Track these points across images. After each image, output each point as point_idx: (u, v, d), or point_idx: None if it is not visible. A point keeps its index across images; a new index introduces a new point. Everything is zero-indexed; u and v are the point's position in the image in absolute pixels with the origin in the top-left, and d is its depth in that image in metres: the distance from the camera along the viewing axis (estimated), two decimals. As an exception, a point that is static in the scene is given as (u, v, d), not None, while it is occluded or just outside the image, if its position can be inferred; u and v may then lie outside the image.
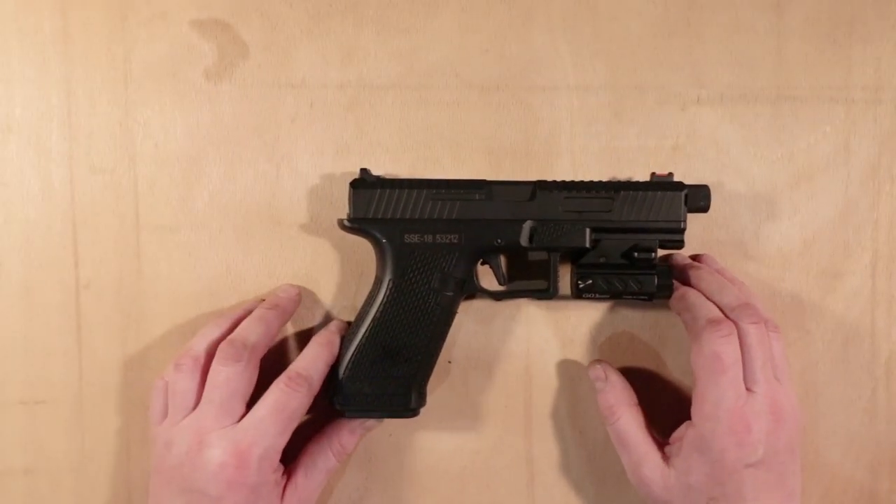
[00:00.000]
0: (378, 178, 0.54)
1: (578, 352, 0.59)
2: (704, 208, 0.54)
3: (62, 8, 0.56)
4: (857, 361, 0.59)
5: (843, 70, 0.58)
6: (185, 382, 0.51)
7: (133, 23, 0.56)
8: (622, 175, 0.58)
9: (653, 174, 0.55)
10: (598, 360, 0.57)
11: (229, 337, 0.52)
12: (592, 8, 0.57)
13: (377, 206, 0.53)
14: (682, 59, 0.58)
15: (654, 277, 0.53)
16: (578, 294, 0.54)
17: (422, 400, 0.55)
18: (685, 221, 0.54)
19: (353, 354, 0.53)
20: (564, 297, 0.57)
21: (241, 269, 0.57)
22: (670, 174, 0.55)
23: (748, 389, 0.50)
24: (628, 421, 0.54)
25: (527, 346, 0.59)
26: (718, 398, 0.50)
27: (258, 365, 0.52)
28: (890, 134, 0.58)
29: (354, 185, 0.54)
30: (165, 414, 0.52)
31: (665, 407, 0.58)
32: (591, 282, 0.54)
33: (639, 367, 0.59)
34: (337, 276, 0.58)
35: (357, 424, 0.56)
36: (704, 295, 0.53)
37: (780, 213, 0.58)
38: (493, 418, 0.59)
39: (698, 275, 0.55)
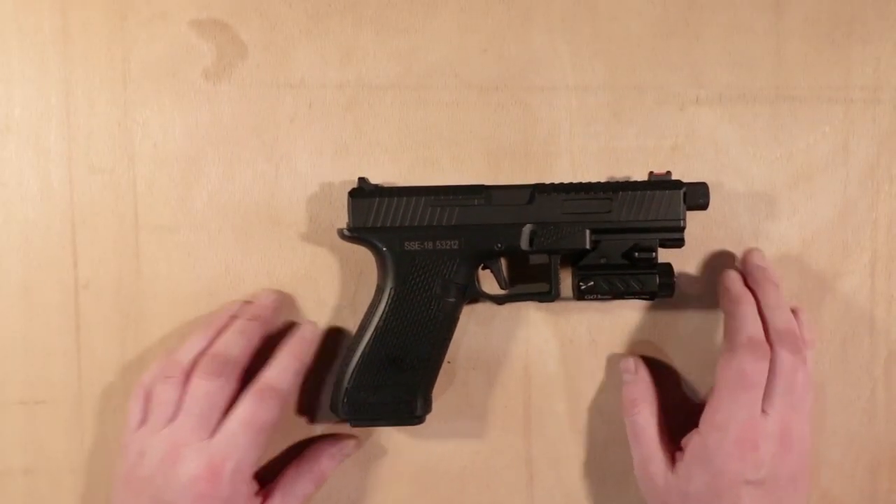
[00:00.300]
0: (376, 186, 0.54)
1: (578, 352, 0.59)
2: (704, 206, 0.54)
3: (62, 8, 0.56)
4: (857, 361, 0.59)
5: (842, 70, 0.58)
6: (170, 394, 0.51)
7: (132, 23, 0.56)
8: (621, 175, 0.58)
9: (651, 173, 0.55)
10: (632, 354, 0.58)
11: (211, 351, 0.52)
12: (592, 8, 0.57)
13: (376, 215, 0.53)
14: (681, 59, 0.58)
15: (655, 277, 0.53)
16: (580, 296, 0.54)
17: (427, 407, 0.55)
18: (685, 220, 0.54)
19: (357, 364, 0.53)
20: (566, 299, 0.57)
21: (241, 270, 0.57)
22: (668, 173, 0.55)
23: (764, 412, 0.50)
24: (646, 417, 0.54)
25: (526, 346, 0.59)
26: (733, 412, 0.50)
27: (240, 378, 0.52)
28: (889, 134, 0.58)
29: (353, 194, 0.54)
30: (143, 421, 0.52)
31: (665, 408, 0.58)
32: (592, 283, 0.54)
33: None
34: (336, 276, 0.58)
35: (336, 450, 0.56)
36: (759, 305, 0.53)
37: (779, 213, 0.58)
38: (492, 418, 0.59)
39: (762, 285, 0.54)
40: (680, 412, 0.55)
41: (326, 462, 0.56)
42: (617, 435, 0.58)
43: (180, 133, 0.57)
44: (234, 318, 0.54)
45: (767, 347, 0.51)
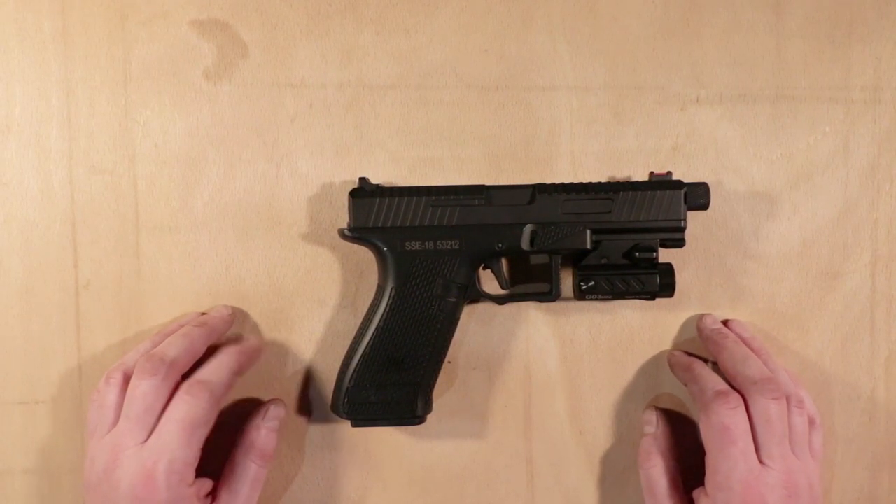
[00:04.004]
0: (377, 186, 0.54)
1: (578, 352, 0.59)
2: (704, 206, 0.54)
3: (62, 8, 0.56)
4: (857, 361, 0.59)
5: (842, 70, 0.58)
6: (112, 396, 0.50)
7: (133, 23, 0.56)
8: (622, 175, 0.58)
9: (651, 173, 0.55)
10: (657, 407, 0.58)
11: (150, 352, 0.51)
12: (592, 8, 0.57)
13: (377, 215, 0.53)
14: (681, 59, 0.58)
15: (656, 276, 0.54)
16: (581, 296, 0.54)
17: (428, 407, 0.55)
18: (685, 220, 0.54)
19: (357, 364, 0.53)
20: (566, 299, 0.57)
21: (241, 270, 0.57)
22: (669, 173, 0.55)
23: (763, 463, 0.50)
24: (660, 472, 0.54)
25: (526, 346, 0.59)
26: (730, 469, 0.50)
27: (178, 380, 0.51)
28: (889, 134, 0.58)
29: (354, 194, 0.54)
30: (95, 427, 0.51)
31: (665, 408, 0.59)
32: (593, 283, 0.54)
33: (639, 369, 0.59)
34: (337, 276, 0.58)
35: (268, 421, 0.54)
36: (727, 365, 0.53)
37: (780, 212, 0.58)
38: (493, 418, 0.59)
39: (722, 343, 0.55)
40: (672, 411, 0.55)
41: (264, 438, 0.54)
42: (617, 435, 0.58)
43: (181, 133, 0.57)
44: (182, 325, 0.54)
45: (737, 395, 0.51)
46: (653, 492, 0.54)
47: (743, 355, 0.53)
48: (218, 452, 0.53)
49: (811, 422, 0.54)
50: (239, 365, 0.53)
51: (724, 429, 0.50)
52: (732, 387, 0.52)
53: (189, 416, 0.49)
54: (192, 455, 0.49)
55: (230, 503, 0.52)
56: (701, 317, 0.58)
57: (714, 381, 0.53)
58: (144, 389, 0.49)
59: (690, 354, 0.58)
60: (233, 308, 0.57)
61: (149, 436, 0.49)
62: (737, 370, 0.52)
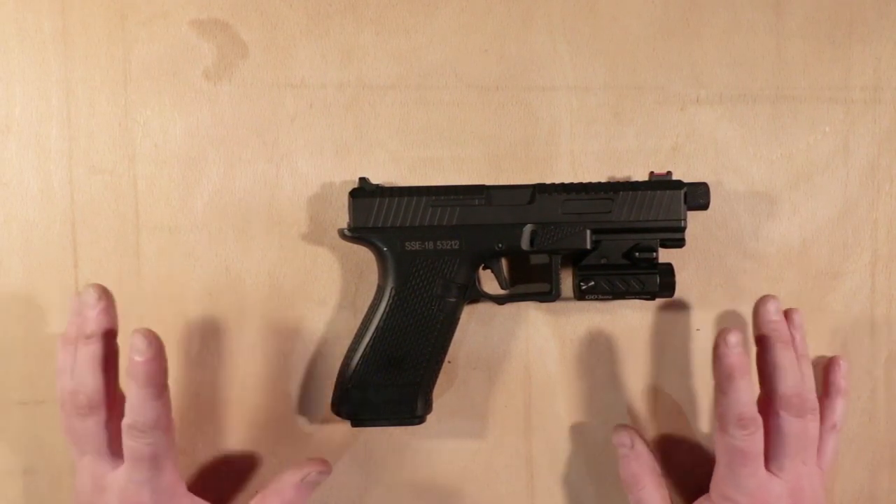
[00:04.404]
0: (377, 186, 0.54)
1: (578, 352, 0.59)
2: (704, 205, 0.54)
3: (62, 8, 0.56)
4: (857, 361, 0.59)
5: (842, 70, 0.58)
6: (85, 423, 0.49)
7: (133, 23, 0.56)
8: (621, 175, 0.58)
9: (651, 173, 0.55)
10: (625, 426, 0.56)
11: (71, 392, 0.49)
12: (592, 8, 0.57)
13: (377, 215, 0.53)
14: (681, 59, 0.58)
15: (656, 276, 0.53)
16: (581, 296, 0.54)
17: (428, 407, 0.55)
18: (685, 220, 0.54)
19: (357, 364, 0.53)
20: (566, 299, 0.57)
21: (241, 270, 0.57)
22: (669, 173, 0.55)
23: (772, 472, 0.50)
24: (651, 493, 0.53)
25: (526, 345, 0.59)
26: (738, 483, 0.50)
27: (116, 399, 0.50)
28: (889, 134, 0.58)
29: (354, 194, 0.54)
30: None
31: (665, 408, 0.58)
32: (593, 283, 0.54)
33: (639, 369, 0.59)
34: (337, 276, 0.58)
35: (302, 479, 0.53)
36: (766, 368, 0.51)
37: (780, 212, 0.58)
38: (493, 418, 0.59)
39: (772, 343, 0.51)
40: (673, 412, 0.55)
41: (292, 493, 0.52)
42: (617, 435, 0.59)
43: (181, 133, 0.57)
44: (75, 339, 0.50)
45: (759, 419, 0.49)
46: None
47: (785, 364, 0.51)
48: (231, 452, 0.54)
49: (832, 426, 0.54)
50: (155, 388, 0.48)
51: (739, 451, 0.49)
52: (761, 393, 0.51)
53: (145, 456, 0.48)
54: (171, 476, 0.49)
55: None
56: (764, 299, 0.53)
57: (742, 404, 0.49)
58: (87, 428, 0.49)
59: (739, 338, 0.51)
60: (99, 286, 0.50)
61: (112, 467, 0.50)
62: (773, 375, 0.51)
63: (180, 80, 0.56)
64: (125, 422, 0.48)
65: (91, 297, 0.49)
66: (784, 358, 0.51)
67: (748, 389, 0.49)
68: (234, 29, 0.57)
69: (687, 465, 0.54)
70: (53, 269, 0.57)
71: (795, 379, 0.51)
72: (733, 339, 0.49)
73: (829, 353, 0.59)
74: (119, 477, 0.49)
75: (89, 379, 0.48)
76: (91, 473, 0.49)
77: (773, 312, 0.52)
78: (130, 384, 0.48)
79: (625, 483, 0.54)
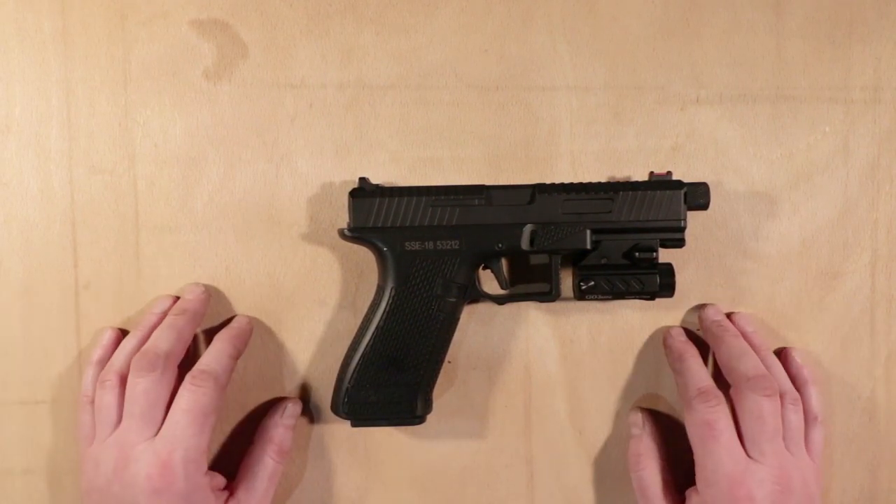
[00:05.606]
0: (377, 186, 0.54)
1: (578, 352, 0.59)
2: (704, 206, 0.54)
3: (62, 8, 0.56)
4: (856, 361, 0.59)
5: (842, 70, 0.58)
6: (109, 398, 0.51)
7: (133, 23, 0.56)
8: (621, 175, 0.58)
9: (651, 173, 0.55)
10: (641, 408, 0.58)
11: (142, 349, 0.52)
12: (592, 8, 0.57)
13: (377, 215, 0.53)
14: (681, 59, 0.58)
15: (656, 276, 0.54)
16: (581, 296, 0.54)
17: (427, 407, 0.55)
18: (685, 220, 0.54)
19: (357, 363, 0.53)
20: (566, 299, 0.57)
21: (241, 270, 0.57)
22: (669, 173, 0.55)
23: (752, 458, 0.50)
24: (651, 474, 0.54)
25: (526, 345, 0.59)
26: (715, 464, 0.50)
27: (175, 371, 0.52)
28: (889, 134, 0.58)
29: (354, 194, 0.54)
30: (93, 432, 0.52)
31: (665, 408, 0.59)
32: (593, 283, 0.54)
33: (639, 369, 0.59)
34: (337, 276, 0.58)
35: (282, 417, 0.55)
36: (723, 359, 0.54)
37: (780, 212, 0.58)
38: (493, 418, 0.59)
39: (721, 336, 0.55)
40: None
41: (276, 432, 0.55)
42: (617, 435, 0.58)
43: (181, 133, 0.57)
44: (162, 315, 0.54)
45: (719, 393, 0.52)
46: (645, 494, 0.54)
47: (740, 350, 0.53)
48: (232, 450, 0.55)
49: (814, 418, 0.54)
50: (235, 349, 0.54)
51: (706, 424, 0.50)
52: (726, 380, 0.53)
53: (198, 405, 0.50)
54: (205, 443, 0.50)
55: (247, 498, 0.53)
56: (703, 307, 0.58)
57: (699, 378, 0.53)
58: (145, 386, 0.50)
59: (688, 333, 0.57)
60: (204, 285, 0.56)
61: (157, 430, 0.50)
62: (732, 365, 0.53)
63: (180, 80, 0.56)
64: (195, 367, 0.51)
65: (198, 288, 0.55)
66: (736, 346, 0.54)
67: (701, 366, 0.54)
68: (234, 29, 0.57)
69: (686, 464, 0.54)
70: (53, 269, 0.57)
71: (754, 360, 0.53)
72: (675, 330, 0.57)
73: (828, 353, 0.59)
74: (155, 443, 0.49)
75: (169, 335, 0.52)
76: (120, 446, 0.49)
77: (714, 314, 0.57)
78: (218, 338, 0.54)
79: (629, 461, 0.56)
